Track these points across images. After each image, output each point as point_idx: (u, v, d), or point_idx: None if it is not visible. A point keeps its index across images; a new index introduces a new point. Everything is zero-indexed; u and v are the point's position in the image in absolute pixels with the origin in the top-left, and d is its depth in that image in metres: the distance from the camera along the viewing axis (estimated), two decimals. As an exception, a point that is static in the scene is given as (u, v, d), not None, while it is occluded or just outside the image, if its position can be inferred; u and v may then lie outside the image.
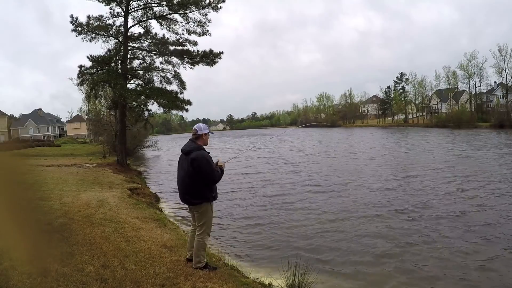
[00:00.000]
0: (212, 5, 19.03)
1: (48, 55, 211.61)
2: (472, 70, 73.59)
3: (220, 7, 19.21)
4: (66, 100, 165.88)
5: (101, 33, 19.18)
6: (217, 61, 19.89)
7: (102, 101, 31.79)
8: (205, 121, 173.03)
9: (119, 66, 19.96)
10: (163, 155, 36.29)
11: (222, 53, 19.78)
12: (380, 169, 18.49)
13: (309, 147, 36.09)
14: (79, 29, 18.69)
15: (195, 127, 4.53)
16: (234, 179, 16.96)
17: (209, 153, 4.48)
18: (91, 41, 19.27)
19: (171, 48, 20.03)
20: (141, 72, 20.85)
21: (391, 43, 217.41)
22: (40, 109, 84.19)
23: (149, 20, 20.18)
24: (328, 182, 15.44)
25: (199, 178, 4.33)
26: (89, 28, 18.77)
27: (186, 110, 20.54)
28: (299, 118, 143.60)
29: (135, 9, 19.83)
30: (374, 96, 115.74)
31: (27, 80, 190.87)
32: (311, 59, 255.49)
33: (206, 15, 19.46)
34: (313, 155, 28.08)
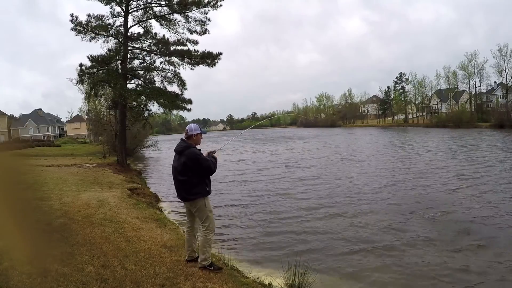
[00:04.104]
0: (212, 3, 19.03)
1: (40, 51, 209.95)
2: (473, 70, 73.81)
3: (220, 5, 19.21)
4: (60, 98, 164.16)
5: (101, 33, 19.15)
6: (217, 62, 19.89)
7: (102, 101, 31.79)
8: (204, 121, 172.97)
9: (119, 66, 19.94)
10: (163, 155, 36.27)
11: (221, 53, 19.76)
12: (388, 170, 18.50)
13: (315, 149, 35.85)
14: (79, 28, 18.67)
15: (187, 127, 4.65)
16: (237, 180, 16.96)
17: (200, 150, 4.58)
18: (91, 41, 19.26)
19: (172, 48, 20.03)
20: (141, 72, 20.83)
21: (392, 43, 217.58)
22: (40, 109, 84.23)
23: (149, 20, 20.18)
24: (331, 183, 15.44)
25: (195, 174, 4.42)
26: (88, 28, 18.75)
27: (188, 110, 20.49)
28: (299, 118, 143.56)
29: (135, 9, 19.83)
30: (374, 96, 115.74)
31: (19, 79, 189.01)
32: (311, 59, 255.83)
33: (206, 13, 19.49)
34: (322, 158, 28.03)
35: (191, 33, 19.85)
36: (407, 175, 16.01)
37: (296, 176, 17.49)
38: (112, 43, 20.06)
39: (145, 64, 20.72)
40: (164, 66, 20.40)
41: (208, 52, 19.53)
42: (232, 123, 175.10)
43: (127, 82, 20.15)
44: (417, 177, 15.36)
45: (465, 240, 7.59)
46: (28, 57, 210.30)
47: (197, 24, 19.62)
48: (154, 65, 20.57)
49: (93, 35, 19.07)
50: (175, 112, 22.34)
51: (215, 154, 4.74)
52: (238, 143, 49.68)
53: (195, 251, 4.74)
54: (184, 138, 4.63)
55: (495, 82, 76.11)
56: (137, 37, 20.08)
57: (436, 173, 16.18)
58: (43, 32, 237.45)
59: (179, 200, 4.76)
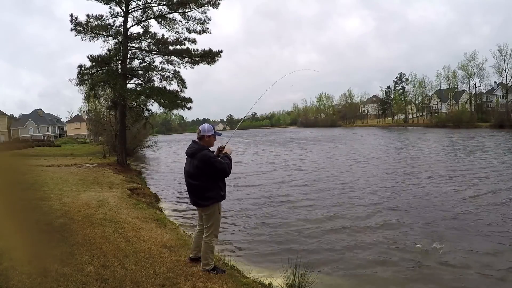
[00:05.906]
0: (211, 2, 19.02)
1: (36, 50, 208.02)
2: (472, 70, 73.94)
3: (219, 3, 19.21)
4: (57, 97, 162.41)
5: (101, 33, 19.15)
6: (217, 60, 19.88)
7: (102, 101, 31.80)
8: (205, 121, 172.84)
9: (119, 66, 19.94)
10: (163, 156, 36.28)
11: (221, 51, 19.77)
12: (388, 170, 18.48)
13: (319, 150, 35.75)
14: (79, 28, 18.67)
15: (200, 127, 4.40)
16: (238, 181, 16.93)
17: (213, 152, 4.34)
18: (90, 41, 19.27)
19: (171, 47, 20.02)
20: (140, 71, 20.82)
21: (392, 43, 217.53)
22: (40, 109, 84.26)
23: (148, 20, 20.17)
24: (333, 182, 15.44)
25: (208, 178, 4.20)
26: (88, 28, 18.75)
27: (188, 108, 20.48)
28: (299, 118, 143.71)
29: (135, 9, 19.82)
30: (374, 96, 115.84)
31: (16, 78, 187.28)
32: (311, 59, 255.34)
33: (206, 12, 19.49)
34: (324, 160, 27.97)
35: (189, 32, 19.87)
36: (414, 179, 15.53)
37: (299, 178, 17.45)
38: (111, 43, 20.09)
39: (144, 64, 20.73)
40: (163, 65, 20.44)
41: (209, 50, 19.52)
42: (232, 123, 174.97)
43: (127, 82, 20.16)
44: (423, 180, 15.31)
45: (468, 244, 7.59)
46: (24, 56, 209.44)
47: (196, 24, 19.63)
48: (154, 65, 20.59)
49: (93, 34, 19.08)
50: (175, 111, 22.35)
51: (225, 148, 4.42)
52: (238, 144, 49.67)
53: (201, 251, 4.70)
54: (196, 139, 4.35)
55: (495, 82, 76.25)
56: (137, 37, 20.08)
57: (444, 176, 15.80)
58: (39, 31, 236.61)
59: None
